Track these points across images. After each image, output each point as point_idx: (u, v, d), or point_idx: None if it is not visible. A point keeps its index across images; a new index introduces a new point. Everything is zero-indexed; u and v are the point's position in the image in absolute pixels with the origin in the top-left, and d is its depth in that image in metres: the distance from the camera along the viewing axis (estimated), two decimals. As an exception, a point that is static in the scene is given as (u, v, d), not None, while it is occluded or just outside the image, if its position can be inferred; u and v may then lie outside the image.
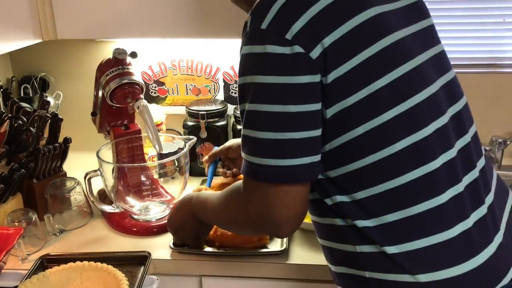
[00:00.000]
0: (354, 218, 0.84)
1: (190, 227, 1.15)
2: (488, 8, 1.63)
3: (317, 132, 0.81)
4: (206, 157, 1.43)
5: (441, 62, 0.92)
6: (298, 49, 0.77)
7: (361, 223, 0.84)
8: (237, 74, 0.86)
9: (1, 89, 1.65)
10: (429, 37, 0.93)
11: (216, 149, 1.42)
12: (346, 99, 0.80)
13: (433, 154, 0.83)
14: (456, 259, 0.82)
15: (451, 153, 0.85)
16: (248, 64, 0.82)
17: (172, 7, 1.36)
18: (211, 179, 1.41)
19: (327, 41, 0.78)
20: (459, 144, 0.88)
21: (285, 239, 1.22)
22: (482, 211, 0.87)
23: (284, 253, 1.19)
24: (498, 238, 0.87)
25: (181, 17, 1.37)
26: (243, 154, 0.85)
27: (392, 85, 0.81)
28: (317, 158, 0.82)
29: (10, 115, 1.42)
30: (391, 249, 0.82)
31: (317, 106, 0.80)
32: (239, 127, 1.61)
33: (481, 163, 0.92)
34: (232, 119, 1.66)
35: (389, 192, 0.82)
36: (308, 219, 0.97)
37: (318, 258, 1.18)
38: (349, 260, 0.88)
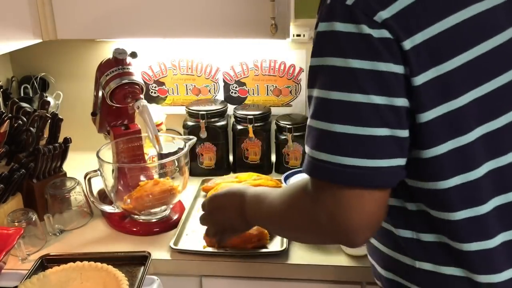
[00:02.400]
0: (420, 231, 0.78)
1: (229, 223, 1.01)
2: (488, 8, 1.63)
3: (404, 133, 0.71)
4: None
5: None
6: (387, 34, 0.68)
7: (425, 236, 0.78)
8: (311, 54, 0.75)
9: (1, 89, 1.65)
10: None
11: None
12: (429, 111, 0.71)
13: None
14: None
15: None
16: (326, 43, 0.72)
17: (172, 7, 1.36)
18: None
19: (419, 37, 0.69)
20: None
21: (285, 239, 1.22)
22: None
23: (284, 253, 1.19)
24: None
25: (181, 17, 1.37)
26: (306, 149, 0.74)
27: (481, 100, 0.72)
28: (402, 161, 0.72)
29: (10, 115, 1.42)
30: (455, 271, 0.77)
31: (402, 102, 0.70)
32: (239, 127, 1.61)
33: None
34: (232, 119, 1.66)
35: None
36: None
37: (318, 258, 1.18)
38: (403, 271, 0.82)
